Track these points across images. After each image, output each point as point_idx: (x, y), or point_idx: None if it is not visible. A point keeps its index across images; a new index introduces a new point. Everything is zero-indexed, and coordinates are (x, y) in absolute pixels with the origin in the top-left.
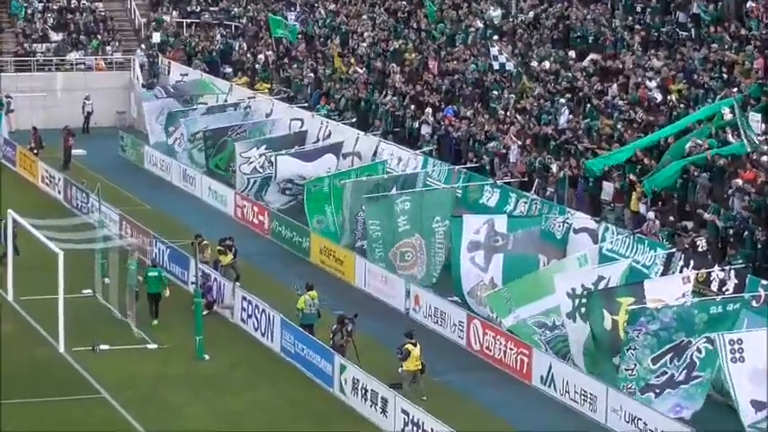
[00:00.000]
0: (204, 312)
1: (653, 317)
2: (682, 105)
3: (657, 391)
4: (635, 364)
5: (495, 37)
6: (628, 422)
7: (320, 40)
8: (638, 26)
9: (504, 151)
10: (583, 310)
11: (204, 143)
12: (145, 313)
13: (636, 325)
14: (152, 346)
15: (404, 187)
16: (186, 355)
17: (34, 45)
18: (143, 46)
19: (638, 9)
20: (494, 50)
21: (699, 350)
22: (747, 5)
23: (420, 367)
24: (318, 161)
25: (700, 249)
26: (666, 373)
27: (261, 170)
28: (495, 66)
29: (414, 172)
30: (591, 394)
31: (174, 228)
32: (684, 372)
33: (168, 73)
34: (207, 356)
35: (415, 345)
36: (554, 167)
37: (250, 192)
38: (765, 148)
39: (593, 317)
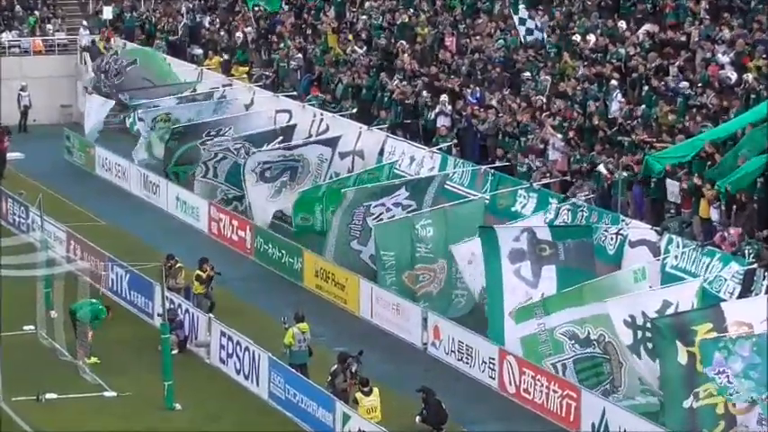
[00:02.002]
0: (174, 351)
1: (729, 351)
2: (761, 86)
3: None
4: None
5: (522, 7)
6: None
7: (311, 13)
8: None
9: (540, 147)
10: (649, 344)
11: (170, 136)
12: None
13: (713, 365)
14: (110, 393)
15: (414, 192)
16: (153, 405)
17: None
18: (85, 23)
19: None
20: (524, 18)
21: None
22: None
23: (378, 419)
24: (306, 148)
25: None
26: None
27: (234, 152)
28: (527, 38)
29: (429, 175)
30: None
31: (135, 247)
32: None
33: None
34: (178, 406)
35: (368, 392)
36: (603, 168)
37: (208, 176)
38: None
39: (663, 350)
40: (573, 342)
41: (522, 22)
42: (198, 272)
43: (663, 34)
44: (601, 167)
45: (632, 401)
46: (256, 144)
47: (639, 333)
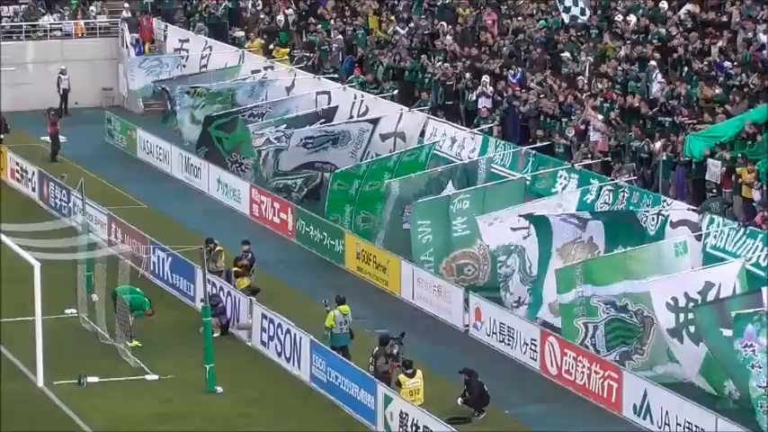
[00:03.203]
0: (215, 335)
1: (762, 324)
2: None
3: None
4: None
5: None
6: None
7: None
8: None
9: (582, 128)
10: (692, 328)
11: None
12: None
13: (744, 337)
14: (152, 377)
15: (462, 181)
16: (194, 388)
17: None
18: (126, 5)
19: None
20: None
21: None
22: None
23: (421, 401)
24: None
25: None
26: None
27: (275, 142)
28: (567, 19)
29: (473, 159)
30: (697, 427)
31: (177, 231)
32: None
33: (165, 39)
34: (219, 389)
35: (411, 374)
36: (653, 145)
37: (261, 163)
38: None
39: (709, 333)
40: (608, 306)
41: (567, 9)
42: (234, 269)
43: (704, 14)
44: (657, 144)
45: (650, 372)
46: (297, 127)
47: (682, 316)
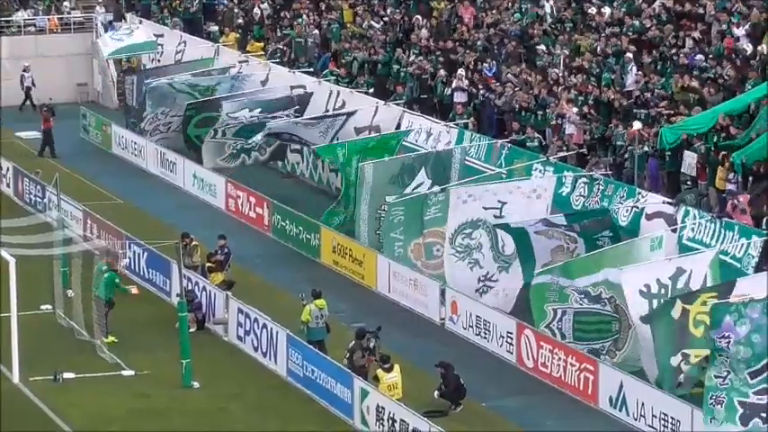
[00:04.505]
0: (191, 330)
1: (740, 314)
2: None
3: (764, 415)
4: (728, 372)
5: None
6: None
7: None
8: None
9: (557, 121)
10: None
11: (187, 107)
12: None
13: (721, 329)
14: (128, 372)
15: (436, 168)
16: (170, 384)
17: None
18: (100, 1)
19: None
20: None
21: None
22: None
23: (399, 396)
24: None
25: None
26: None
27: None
28: (544, 11)
29: (447, 149)
30: (673, 419)
31: (152, 226)
32: None
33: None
34: (196, 384)
35: (389, 368)
36: (624, 138)
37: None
38: None
39: (662, 307)
40: (582, 296)
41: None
42: (208, 264)
43: (679, 6)
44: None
45: (627, 366)
46: (270, 110)
47: (655, 302)
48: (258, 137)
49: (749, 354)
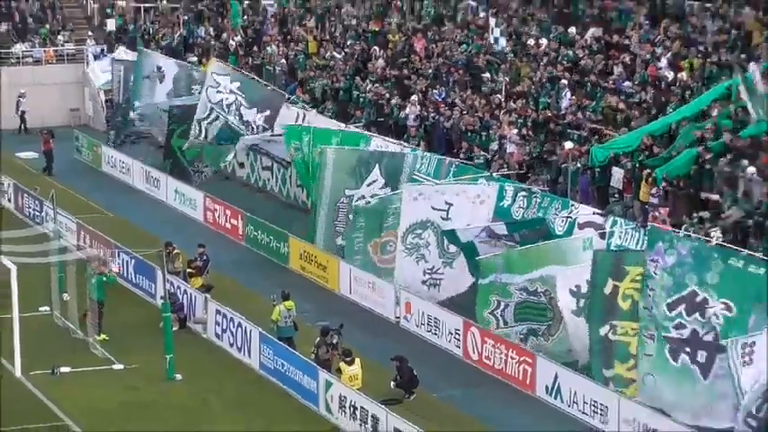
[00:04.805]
0: (174, 328)
1: (671, 245)
2: (695, 84)
3: (688, 351)
4: (653, 305)
5: (482, 14)
6: None
7: (294, 22)
8: None
9: (499, 141)
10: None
11: (169, 120)
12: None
13: (653, 252)
14: (118, 366)
15: (388, 169)
16: (156, 376)
17: None
18: (91, 34)
19: None
20: (492, 27)
21: (716, 315)
22: None
23: (359, 386)
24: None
25: (715, 242)
26: (686, 326)
27: (224, 112)
28: (495, 45)
29: (401, 152)
30: (602, 405)
31: (139, 236)
32: (712, 334)
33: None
34: (179, 376)
35: (350, 362)
36: (559, 156)
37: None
38: None
39: (596, 280)
40: (521, 291)
41: (496, 40)
42: (188, 269)
43: (608, 38)
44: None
45: (559, 358)
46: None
47: (582, 301)
48: (230, 157)
49: (670, 283)
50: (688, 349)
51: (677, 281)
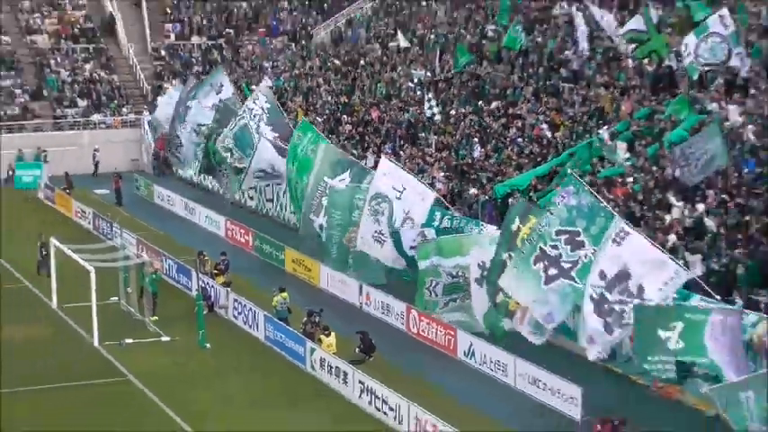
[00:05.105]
0: (204, 312)
1: (578, 191)
2: (566, 140)
3: (546, 264)
4: (546, 225)
5: (419, 92)
6: (531, 383)
7: (288, 97)
8: (531, 80)
9: (431, 180)
10: (485, 283)
11: (213, 121)
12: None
13: (564, 190)
14: (165, 338)
15: (355, 175)
16: (192, 345)
17: (66, 110)
18: (146, 107)
19: (531, 67)
20: (426, 100)
21: (584, 257)
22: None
23: (334, 351)
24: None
25: None
26: (557, 249)
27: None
28: (428, 113)
29: (368, 169)
30: (503, 363)
31: (179, 248)
32: (570, 263)
33: None
34: (208, 345)
35: (328, 334)
36: (473, 191)
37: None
38: (628, 168)
39: (508, 220)
40: (447, 274)
41: (431, 108)
42: (214, 271)
43: (506, 109)
44: (472, 191)
45: (455, 315)
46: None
47: (485, 273)
48: (243, 180)
49: (564, 216)
50: (547, 263)
51: (570, 218)
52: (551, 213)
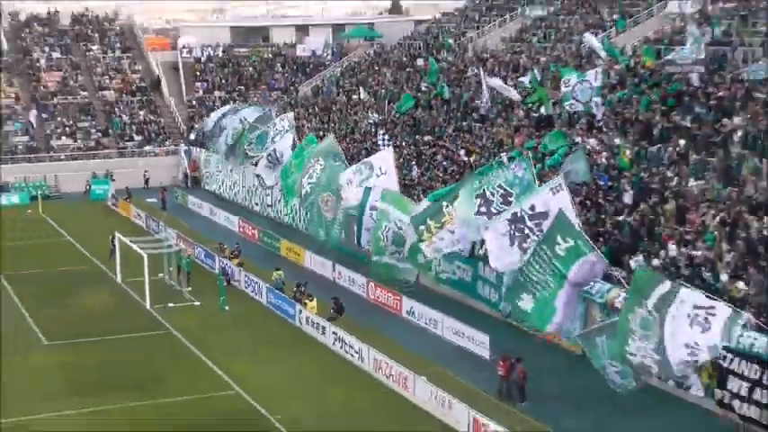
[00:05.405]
0: (225, 284)
1: (526, 169)
2: (477, 163)
3: (482, 201)
4: (494, 177)
5: (374, 129)
6: (454, 333)
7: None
8: (452, 121)
9: None
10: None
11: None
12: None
13: (518, 163)
14: (197, 303)
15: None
16: (215, 308)
17: (126, 143)
18: (183, 140)
19: (452, 112)
20: (379, 135)
21: (508, 213)
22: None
23: (315, 311)
24: None
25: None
26: (493, 197)
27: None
28: (380, 144)
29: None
30: (434, 319)
31: (205, 239)
32: (496, 211)
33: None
34: (227, 308)
35: (311, 299)
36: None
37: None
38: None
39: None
40: (394, 223)
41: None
42: (230, 255)
43: (436, 141)
44: None
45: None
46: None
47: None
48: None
49: (509, 178)
50: (483, 201)
51: (511, 182)
52: (502, 171)
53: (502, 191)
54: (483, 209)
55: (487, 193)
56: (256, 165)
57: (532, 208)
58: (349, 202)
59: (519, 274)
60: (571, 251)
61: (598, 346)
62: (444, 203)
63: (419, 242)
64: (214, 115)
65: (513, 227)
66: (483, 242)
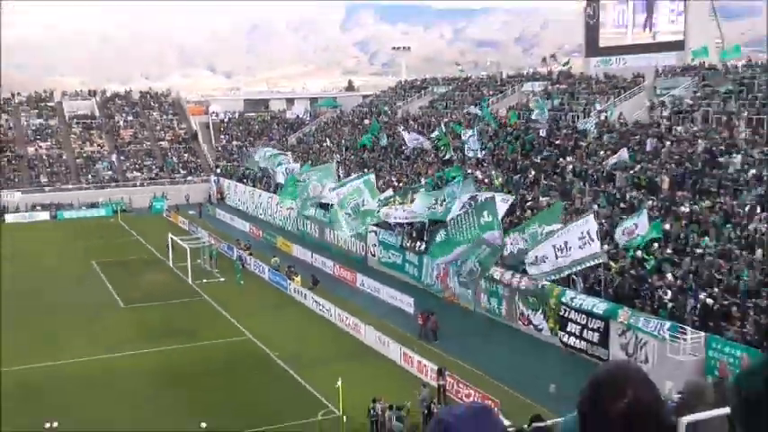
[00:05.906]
0: (241, 267)
1: (460, 187)
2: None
3: (441, 200)
4: (461, 187)
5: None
6: (391, 298)
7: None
8: (387, 160)
9: None
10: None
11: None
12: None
13: (458, 182)
14: (221, 279)
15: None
16: (233, 282)
17: (174, 175)
18: (213, 173)
19: (389, 155)
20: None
21: (458, 217)
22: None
23: (300, 284)
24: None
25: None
26: (452, 203)
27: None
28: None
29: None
30: (377, 287)
31: (228, 237)
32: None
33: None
34: (242, 282)
35: (297, 276)
36: None
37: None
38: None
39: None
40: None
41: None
42: (244, 246)
43: (378, 173)
44: None
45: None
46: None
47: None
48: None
49: (471, 189)
50: (435, 200)
51: (451, 194)
52: (450, 188)
53: (461, 202)
54: (435, 207)
55: (439, 199)
56: (321, 206)
57: (474, 198)
58: (331, 201)
59: (452, 221)
60: (490, 223)
61: (474, 270)
62: (411, 191)
63: (383, 206)
64: (254, 155)
65: (463, 210)
66: (424, 229)
